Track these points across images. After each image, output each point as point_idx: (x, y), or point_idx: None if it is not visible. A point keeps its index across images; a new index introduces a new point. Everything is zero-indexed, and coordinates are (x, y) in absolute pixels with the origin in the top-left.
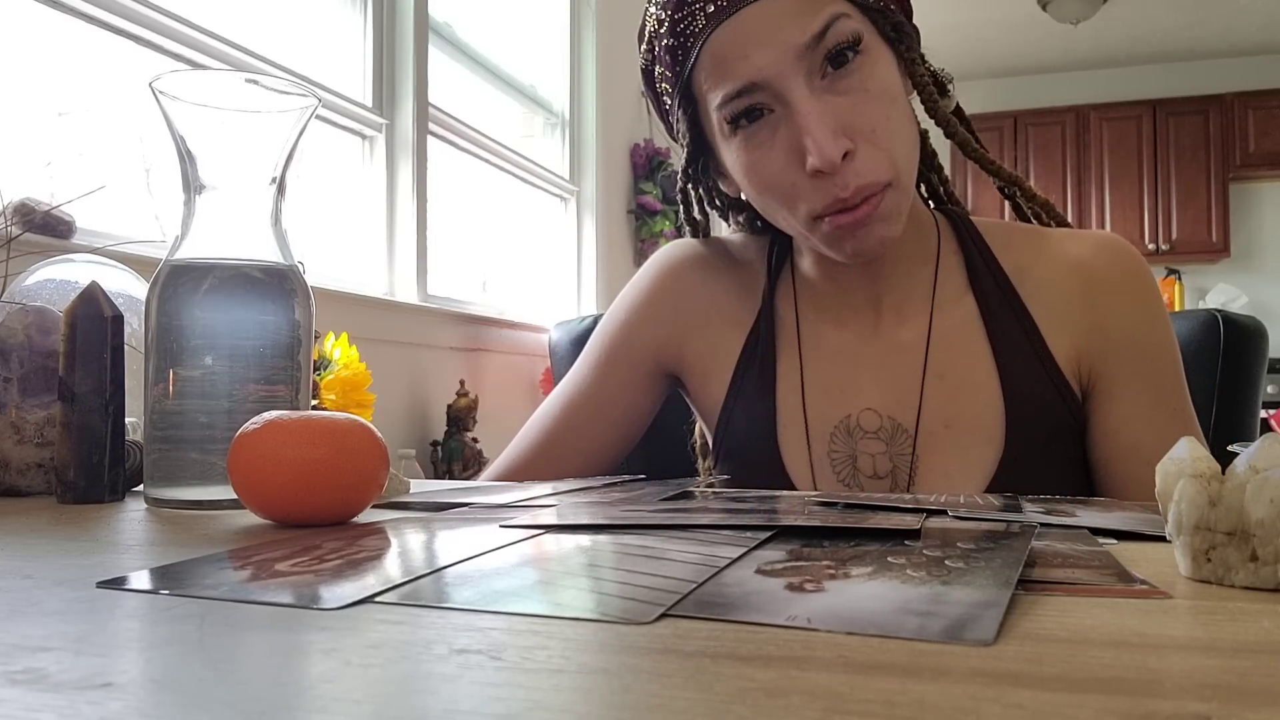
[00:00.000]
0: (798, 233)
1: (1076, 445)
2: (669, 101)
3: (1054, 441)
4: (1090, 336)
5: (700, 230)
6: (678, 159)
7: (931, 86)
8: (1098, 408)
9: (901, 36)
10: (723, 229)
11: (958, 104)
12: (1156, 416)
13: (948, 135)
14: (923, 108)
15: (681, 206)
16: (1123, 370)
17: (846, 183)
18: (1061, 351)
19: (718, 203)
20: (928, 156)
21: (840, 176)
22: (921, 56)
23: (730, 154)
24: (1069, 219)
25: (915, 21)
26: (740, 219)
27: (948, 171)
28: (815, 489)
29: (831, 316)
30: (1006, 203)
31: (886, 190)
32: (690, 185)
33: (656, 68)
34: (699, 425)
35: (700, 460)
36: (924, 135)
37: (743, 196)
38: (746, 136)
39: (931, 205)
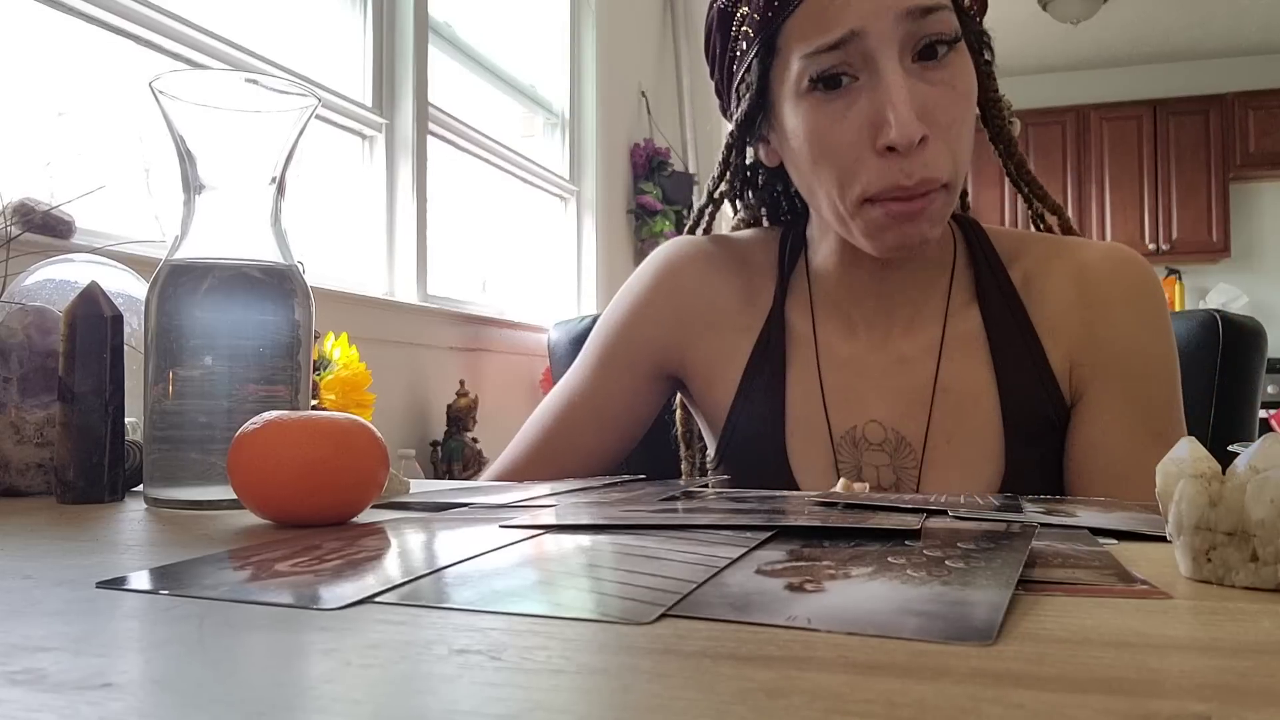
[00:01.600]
0: (837, 215)
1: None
2: (744, 46)
3: (1050, 456)
4: (1082, 344)
5: (715, 215)
6: (703, 146)
7: (1005, 105)
8: (1079, 418)
9: (982, 49)
10: (723, 227)
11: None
12: (1137, 438)
13: (1008, 155)
14: (988, 130)
15: (720, 166)
16: (1110, 383)
17: (912, 171)
18: (1056, 361)
19: (745, 174)
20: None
21: (909, 162)
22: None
23: (797, 114)
24: (1071, 222)
25: None
26: (752, 202)
27: None
28: (820, 487)
29: (843, 325)
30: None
31: (942, 191)
32: (740, 144)
33: (742, 8)
34: (679, 414)
35: (683, 448)
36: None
37: (764, 171)
38: (822, 100)
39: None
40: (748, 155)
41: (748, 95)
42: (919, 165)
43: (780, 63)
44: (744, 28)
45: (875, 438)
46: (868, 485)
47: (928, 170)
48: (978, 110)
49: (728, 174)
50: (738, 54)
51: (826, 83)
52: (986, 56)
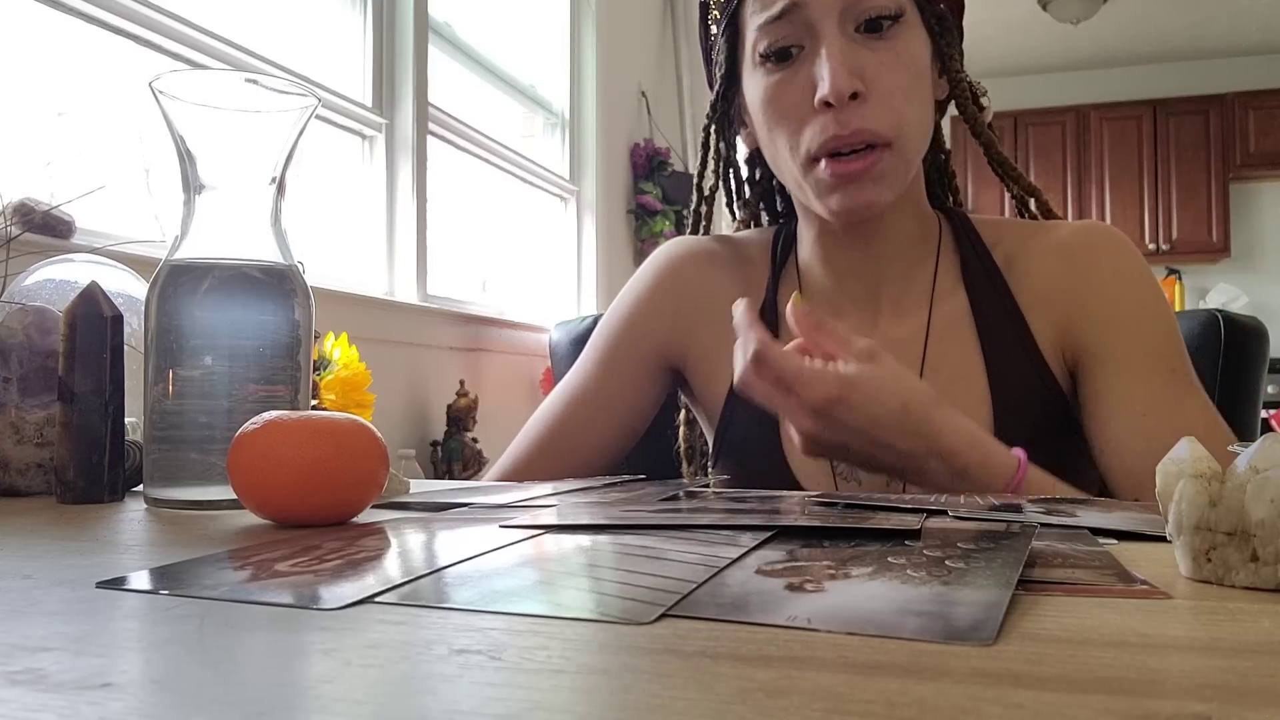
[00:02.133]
0: (795, 181)
1: (1063, 439)
2: (714, 30)
3: (1041, 435)
4: (1069, 311)
5: (711, 213)
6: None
7: (967, 86)
8: (1088, 378)
9: (943, 30)
10: (723, 226)
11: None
12: (1153, 377)
13: (975, 134)
14: (955, 106)
15: (699, 151)
16: (1110, 337)
17: (847, 120)
18: (1044, 335)
19: (737, 171)
20: (947, 176)
21: (843, 114)
22: (960, 59)
23: (754, 86)
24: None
25: None
26: (750, 199)
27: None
28: (815, 482)
29: (831, 311)
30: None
31: (886, 151)
32: (713, 127)
33: None
34: (682, 430)
35: (685, 465)
36: (946, 155)
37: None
38: (773, 69)
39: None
40: (739, 149)
41: (720, 78)
42: (855, 118)
43: (742, 42)
44: (713, 12)
45: None
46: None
47: (864, 122)
48: (946, 91)
49: (713, 165)
50: (711, 39)
51: (777, 55)
52: (946, 40)
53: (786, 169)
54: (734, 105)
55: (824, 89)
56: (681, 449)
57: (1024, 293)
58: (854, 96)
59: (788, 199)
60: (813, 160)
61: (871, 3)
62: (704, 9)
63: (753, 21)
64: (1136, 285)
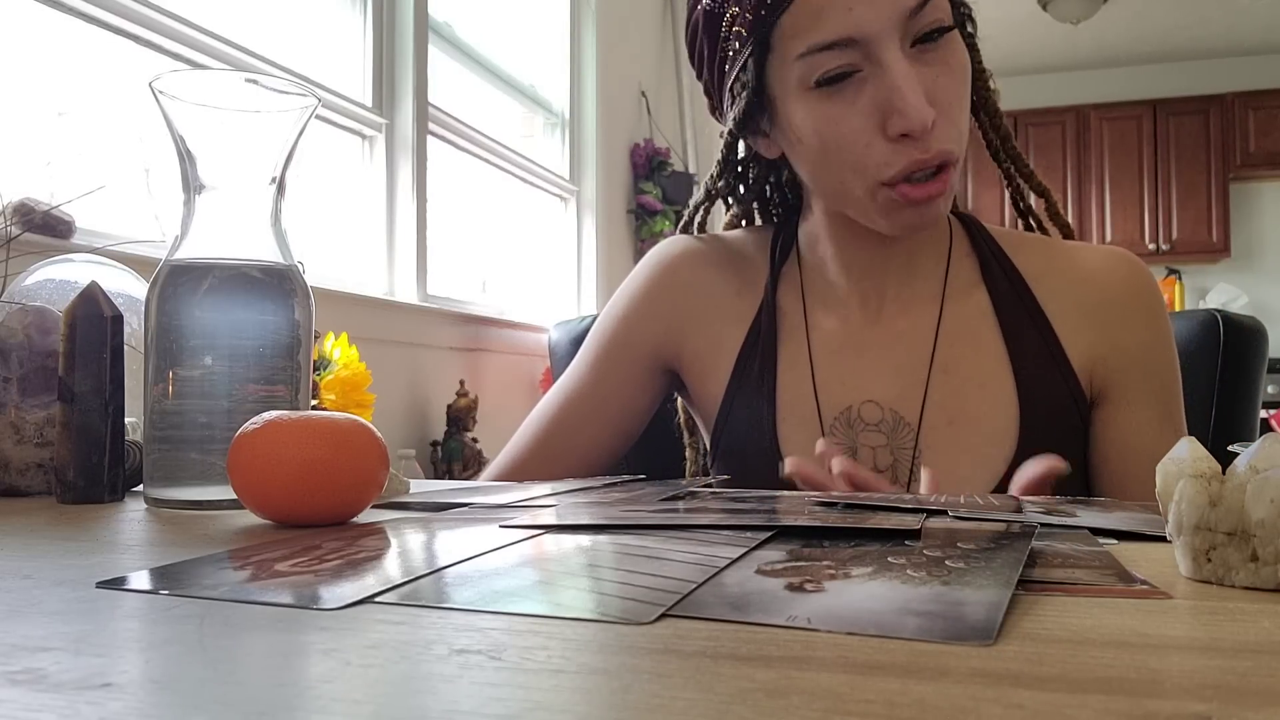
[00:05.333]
0: (852, 201)
1: (1083, 447)
2: (736, 45)
3: (1066, 442)
4: (1106, 349)
5: (709, 214)
6: (698, 134)
7: (989, 78)
8: (1108, 415)
9: (967, 22)
10: (718, 225)
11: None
12: (1165, 431)
13: (994, 128)
14: (975, 97)
15: (719, 165)
16: (1134, 384)
17: (928, 145)
18: (1077, 358)
19: (738, 169)
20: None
21: (923, 141)
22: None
23: (802, 109)
24: (1069, 220)
25: None
26: (744, 197)
27: None
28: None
29: (836, 307)
30: (1011, 208)
31: (953, 167)
32: (738, 142)
33: (731, 8)
34: (681, 402)
35: (686, 435)
36: None
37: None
38: (829, 94)
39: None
40: (740, 150)
41: (744, 94)
42: (934, 141)
43: (776, 59)
44: (735, 27)
45: (872, 418)
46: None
47: (940, 144)
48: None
49: (725, 171)
50: (730, 54)
51: (832, 80)
52: (970, 29)
53: (844, 191)
54: (754, 120)
55: (905, 124)
56: (681, 420)
57: (1055, 310)
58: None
59: (786, 200)
60: (883, 185)
61: (928, 17)
62: (712, 16)
63: (795, 44)
64: (1163, 340)
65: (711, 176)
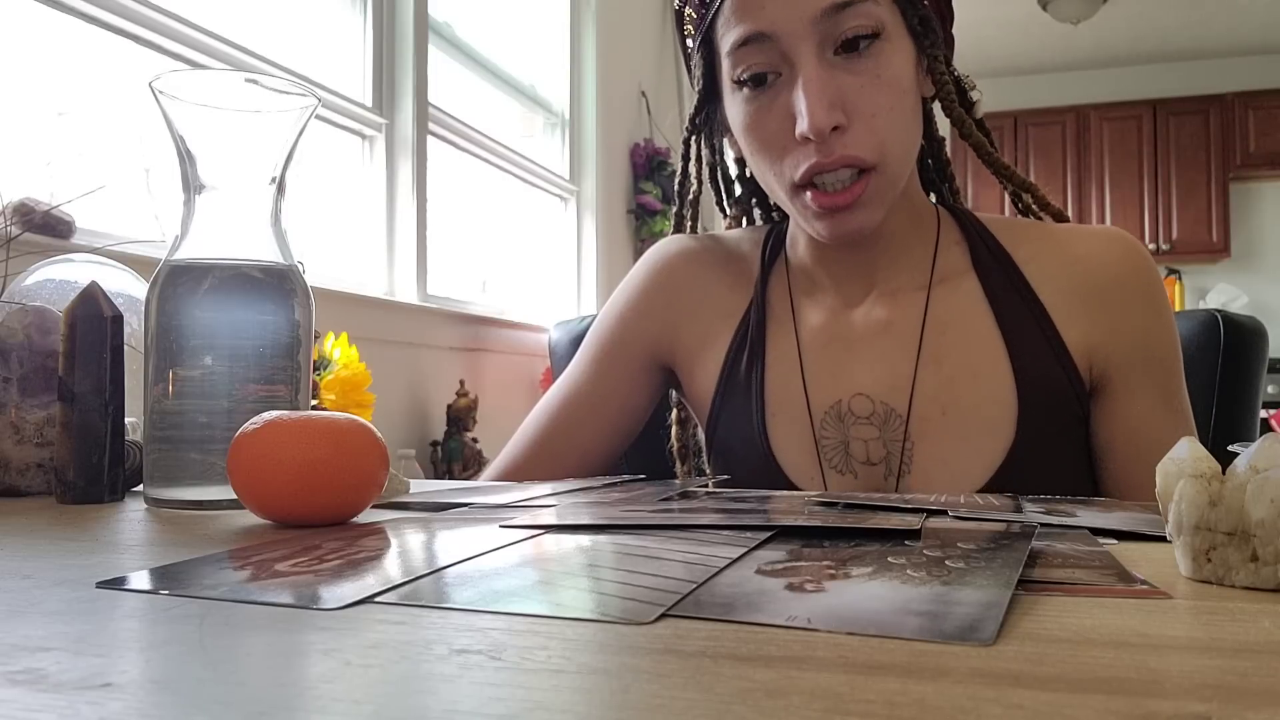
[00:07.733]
0: (784, 202)
1: (1083, 435)
2: (689, 44)
3: (1065, 431)
4: (1104, 335)
5: (697, 215)
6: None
7: (951, 87)
8: (1110, 403)
9: (927, 32)
10: (717, 224)
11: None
12: (1168, 417)
13: (963, 136)
14: (941, 109)
15: (680, 162)
16: (1135, 370)
17: (830, 149)
18: (1074, 343)
19: (719, 175)
20: (941, 165)
21: (825, 144)
22: (947, 59)
23: (734, 107)
24: (1070, 220)
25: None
26: (740, 197)
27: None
28: (806, 475)
29: (823, 300)
30: (1011, 206)
31: (871, 175)
32: (694, 138)
33: (686, 8)
34: (675, 430)
35: (679, 464)
36: (939, 143)
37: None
38: (751, 95)
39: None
40: (729, 152)
41: (698, 90)
42: (838, 145)
43: (719, 58)
44: (687, 25)
45: (862, 411)
46: None
47: (847, 149)
48: (933, 92)
49: (694, 171)
50: (689, 51)
51: (753, 81)
52: (929, 41)
53: (774, 192)
54: (717, 115)
55: (803, 125)
56: (674, 448)
57: (1050, 295)
58: (835, 128)
59: None
60: (798, 188)
61: (848, 24)
62: (678, 16)
63: (724, 42)
64: (1163, 323)
65: (679, 181)
